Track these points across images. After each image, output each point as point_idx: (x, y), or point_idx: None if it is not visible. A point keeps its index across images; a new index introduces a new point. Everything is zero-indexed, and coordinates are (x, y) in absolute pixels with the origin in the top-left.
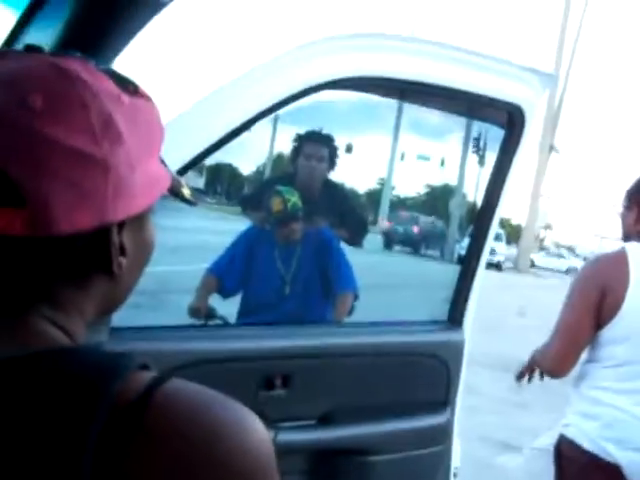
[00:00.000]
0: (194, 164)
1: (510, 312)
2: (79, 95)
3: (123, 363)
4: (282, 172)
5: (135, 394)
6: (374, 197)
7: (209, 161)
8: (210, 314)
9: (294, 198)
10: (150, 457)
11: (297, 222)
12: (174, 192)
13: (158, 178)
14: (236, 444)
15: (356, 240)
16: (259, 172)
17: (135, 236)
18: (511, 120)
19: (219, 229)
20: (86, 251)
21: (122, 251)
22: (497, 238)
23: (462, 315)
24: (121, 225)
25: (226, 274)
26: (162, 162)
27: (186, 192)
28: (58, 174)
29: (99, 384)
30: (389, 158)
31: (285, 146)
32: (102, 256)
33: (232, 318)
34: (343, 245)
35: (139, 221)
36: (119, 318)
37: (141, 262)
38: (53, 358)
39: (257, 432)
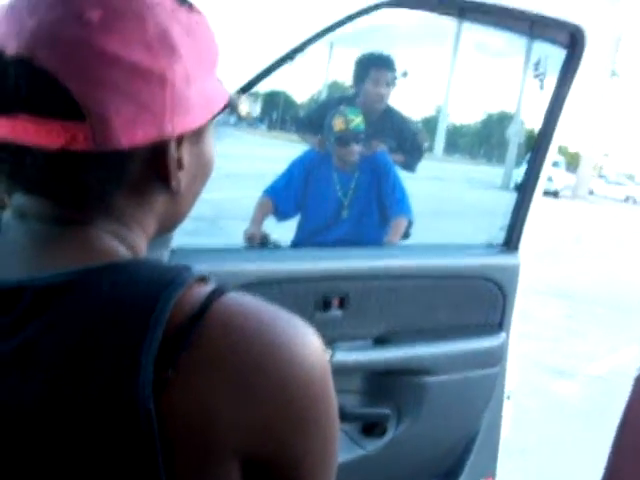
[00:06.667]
0: (247, 89)
1: (566, 239)
2: (136, 8)
3: (183, 275)
4: (341, 95)
5: (194, 305)
6: (430, 123)
7: (264, 88)
8: (264, 240)
9: (358, 119)
10: (206, 368)
11: (357, 143)
12: (231, 109)
13: (215, 94)
14: (291, 356)
15: (411, 165)
16: (315, 99)
17: (194, 152)
18: (572, 41)
19: (276, 156)
20: (145, 166)
21: (180, 166)
22: (555, 165)
23: (518, 239)
24: (180, 140)
25: (282, 196)
26: (219, 80)
27: (243, 109)
28: (116, 88)
29: (158, 295)
30: (446, 83)
31: (341, 72)
32: (161, 171)
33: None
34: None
35: (198, 137)
36: (177, 242)
37: (201, 178)
38: (115, 270)
39: (313, 345)
